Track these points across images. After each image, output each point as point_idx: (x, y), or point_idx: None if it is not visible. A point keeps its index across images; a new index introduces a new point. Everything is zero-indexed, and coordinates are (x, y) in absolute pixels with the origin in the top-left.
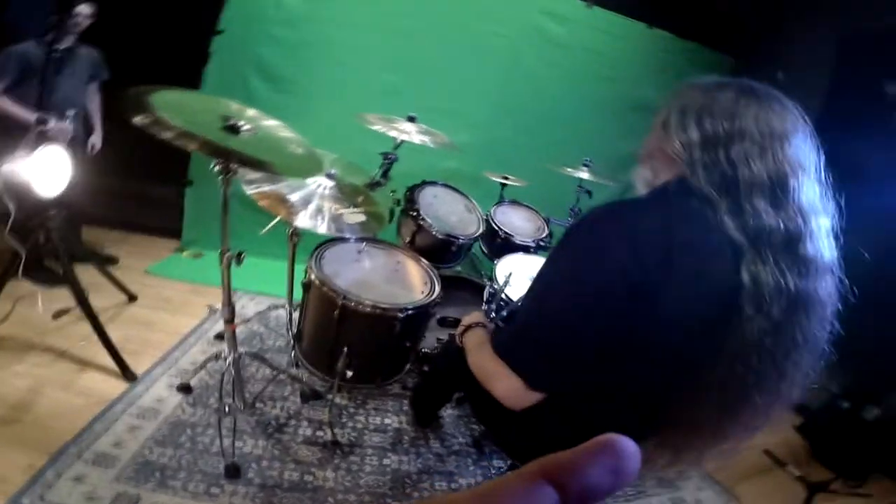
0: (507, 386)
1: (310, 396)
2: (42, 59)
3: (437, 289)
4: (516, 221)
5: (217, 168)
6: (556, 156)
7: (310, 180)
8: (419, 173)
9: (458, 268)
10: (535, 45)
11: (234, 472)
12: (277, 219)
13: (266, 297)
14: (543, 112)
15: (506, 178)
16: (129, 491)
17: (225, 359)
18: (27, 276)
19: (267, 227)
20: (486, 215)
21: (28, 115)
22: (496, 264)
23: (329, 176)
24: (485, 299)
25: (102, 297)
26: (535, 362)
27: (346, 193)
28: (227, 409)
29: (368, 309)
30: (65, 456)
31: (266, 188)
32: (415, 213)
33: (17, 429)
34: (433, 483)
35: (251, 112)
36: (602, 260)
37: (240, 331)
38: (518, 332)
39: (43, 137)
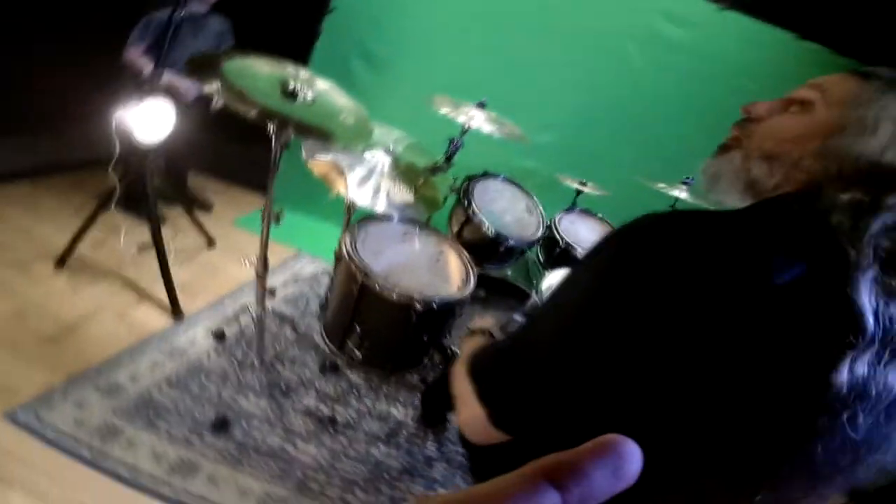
0: (469, 414)
1: (327, 368)
2: (176, 24)
3: (470, 288)
4: (584, 233)
5: (272, 129)
6: (649, 168)
7: (368, 155)
8: (488, 166)
9: (509, 271)
10: (646, 47)
11: (219, 425)
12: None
13: (326, 262)
14: (643, 119)
15: (583, 185)
16: (115, 423)
17: (253, 315)
18: (120, 209)
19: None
20: (550, 220)
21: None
22: (546, 275)
23: (387, 152)
24: (525, 311)
25: (186, 239)
26: (506, 394)
27: (403, 173)
28: (239, 362)
29: (386, 293)
30: (81, 380)
31: (324, 158)
32: (466, 204)
33: (55, 347)
34: (410, 485)
35: (305, 74)
36: (629, 294)
37: (290, 291)
38: (498, 352)
39: (171, 92)
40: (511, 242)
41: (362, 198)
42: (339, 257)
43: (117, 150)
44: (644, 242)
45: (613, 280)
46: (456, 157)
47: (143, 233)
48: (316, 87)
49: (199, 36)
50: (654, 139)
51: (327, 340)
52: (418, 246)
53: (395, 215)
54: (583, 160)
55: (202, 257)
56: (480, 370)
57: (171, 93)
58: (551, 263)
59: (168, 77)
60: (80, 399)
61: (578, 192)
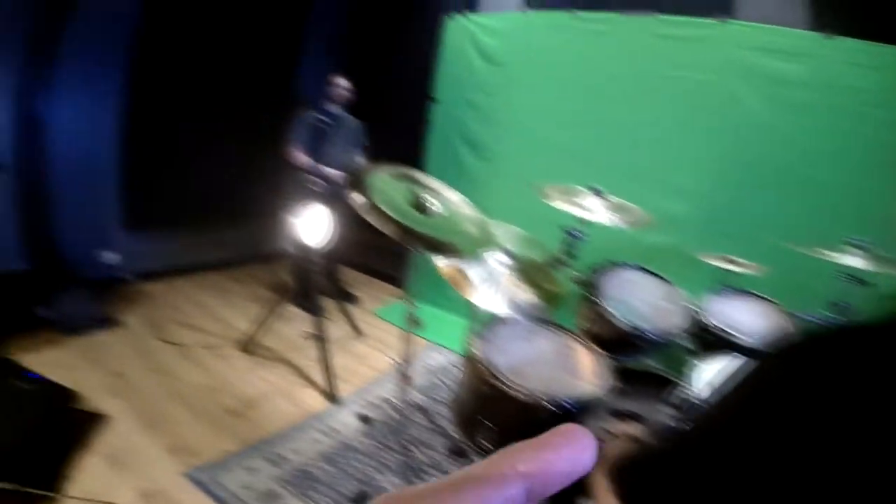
0: None
1: (455, 452)
2: (320, 124)
3: (603, 384)
4: (741, 316)
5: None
6: (803, 231)
7: (489, 256)
8: (614, 250)
9: (649, 360)
10: (757, 85)
11: (359, 499)
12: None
13: (455, 354)
14: (780, 171)
15: (730, 262)
16: (276, 490)
17: (394, 402)
18: (293, 303)
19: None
20: (697, 307)
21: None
22: (699, 365)
23: (507, 252)
24: (671, 404)
25: (338, 329)
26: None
27: (524, 270)
28: (380, 443)
29: (513, 393)
30: (253, 449)
31: (450, 261)
32: (594, 298)
33: (237, 420)
34: None
35: (434, 183)
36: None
37: (424, 380)
38: (656, 461)
39: (322, 185)
40: (650, 335)
41: (485, 300)
42: (467, 356)
43: (289, 252)
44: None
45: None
46: (577, 248)
47: (307, 322)
48: (443, 199)
49: (339, 133)
50: (798, 192)
51: (458, 430)
52: (545, 343)
53: (520, 315)
54: (722, 231)
55: (351, 346)
56: (625, 468)
57: (328, 182)
58: (704, 351)
59: (324, 170)
60: (250, 466)
61: (726, 271)
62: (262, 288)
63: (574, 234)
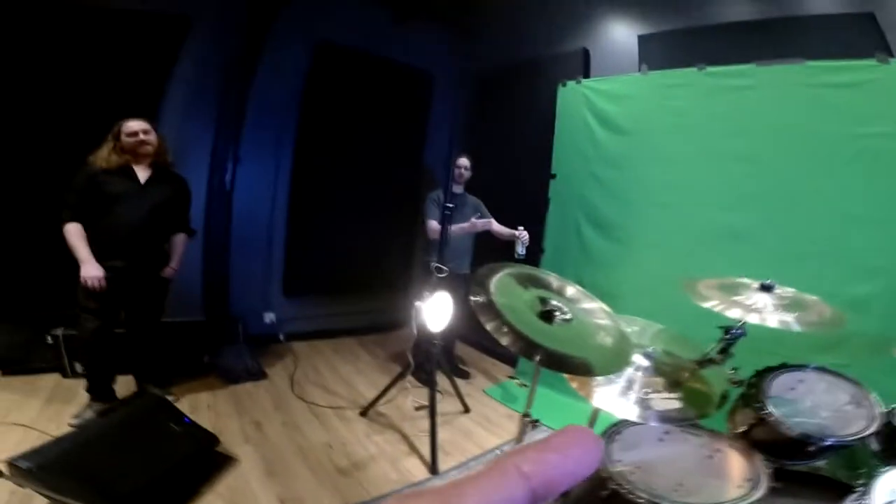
0: None
1: None
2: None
3: (760, 492)
4: None
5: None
6: None
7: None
8: (783, 342)
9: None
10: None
11: None
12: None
13: None
14: None
15: None
16: None
17: None
18: (412, 376)
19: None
20: (890, 409)
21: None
22: (883, 474)
23: (646, 355)
24: None
25: (448, 404)
26: None
27: (665, 374)
28: None
29: (633, 498)
30: None
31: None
32: (758, 403)
33: (343, 478)
34: None
35: (572, 290)
36: None
37: None
38: None
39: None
40: (828, 442)
41: (616, 409)
42: None
43: (414, 333)
44: None
45: None
46: (735, 345)
47: (421, 395)
48: (574, 304)
49: (463, 213)
50: None
51: None
52: (683, 445)
53: (657, 420)
54: None
55: (458, 421)
56: None
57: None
58: (892, 457)
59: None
60: None
61: None
62: (387, 357)
63: (734, 332)
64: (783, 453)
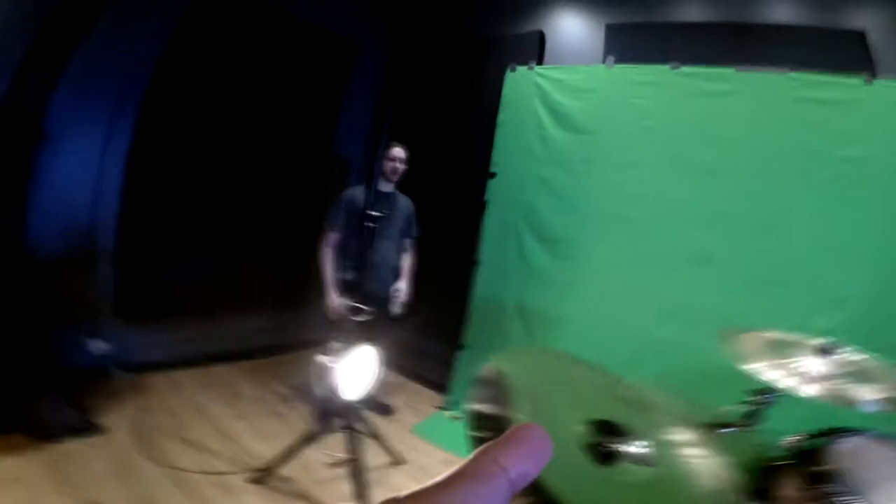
0: None
1: None
2: (363, 203)
3: None
4: None
5: None
6: None
7: None
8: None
9: None
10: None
11: None
12: None
13: None
14: None
15: None
16: None
17: None
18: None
19: None
20: None
21: (329, 288)
22: None
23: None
24: None
25: (372, 454)
26: None
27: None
28: None
29: None
30: None
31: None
32: (820, 476)
33: None
34: None
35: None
36: None
37: None
38: None
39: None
40: None
41: None
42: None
43: (317, 396)
44: None
45: None
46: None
47: (335, 443)
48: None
49: (392, 221)
50: None
51: None
52: None
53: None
54: None
55: (390, 478)
56: None
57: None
58: None
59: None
60: None
61: None
62: (278, 394)
63: (767, 398)
64: None
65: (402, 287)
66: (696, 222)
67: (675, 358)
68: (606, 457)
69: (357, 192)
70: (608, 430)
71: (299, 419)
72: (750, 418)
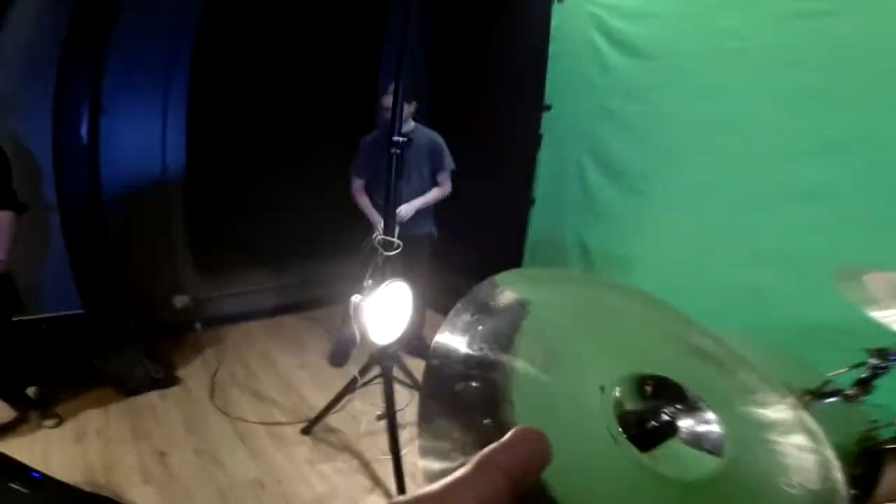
0: None
1: None
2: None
3: None
4: None
5: None
6: None
7: None
8: None
9: None
10: None
11: None
12: None
13: None
14: None
15: None
16: None
17: None
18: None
19: None
20: None
21: (377, 218)
22: None
23: None
24: None
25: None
26: None
27: None
28: None
29: None
30: None
31: None
32: None
33: None
34: None
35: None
36: None
37: None
38: None
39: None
40: None
41: None
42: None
43: (357, 339)
44: None
45: None
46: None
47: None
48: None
49: (415, 155)
50: None
51: None
52: None
53: None
54: None
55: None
56: None
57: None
58: None
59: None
60: None
61: None
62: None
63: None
64: None
65: (403, 208)
66: (801, 154)
67: (774, 309)
68: (651, 435)
69: (376, 135)
70: (661, 393)
71: (356, 368)
72: (861, 387)
